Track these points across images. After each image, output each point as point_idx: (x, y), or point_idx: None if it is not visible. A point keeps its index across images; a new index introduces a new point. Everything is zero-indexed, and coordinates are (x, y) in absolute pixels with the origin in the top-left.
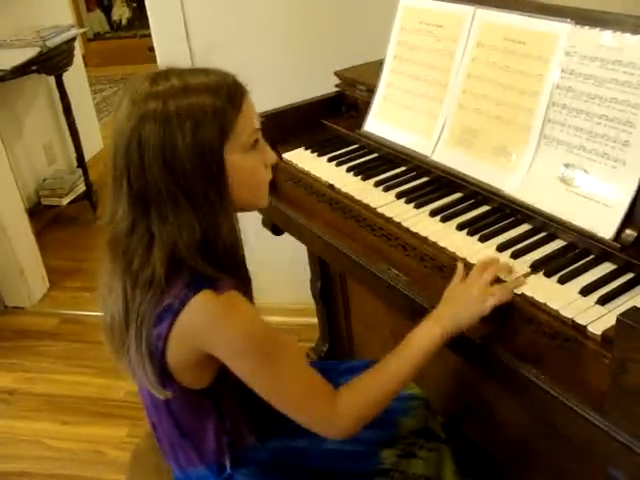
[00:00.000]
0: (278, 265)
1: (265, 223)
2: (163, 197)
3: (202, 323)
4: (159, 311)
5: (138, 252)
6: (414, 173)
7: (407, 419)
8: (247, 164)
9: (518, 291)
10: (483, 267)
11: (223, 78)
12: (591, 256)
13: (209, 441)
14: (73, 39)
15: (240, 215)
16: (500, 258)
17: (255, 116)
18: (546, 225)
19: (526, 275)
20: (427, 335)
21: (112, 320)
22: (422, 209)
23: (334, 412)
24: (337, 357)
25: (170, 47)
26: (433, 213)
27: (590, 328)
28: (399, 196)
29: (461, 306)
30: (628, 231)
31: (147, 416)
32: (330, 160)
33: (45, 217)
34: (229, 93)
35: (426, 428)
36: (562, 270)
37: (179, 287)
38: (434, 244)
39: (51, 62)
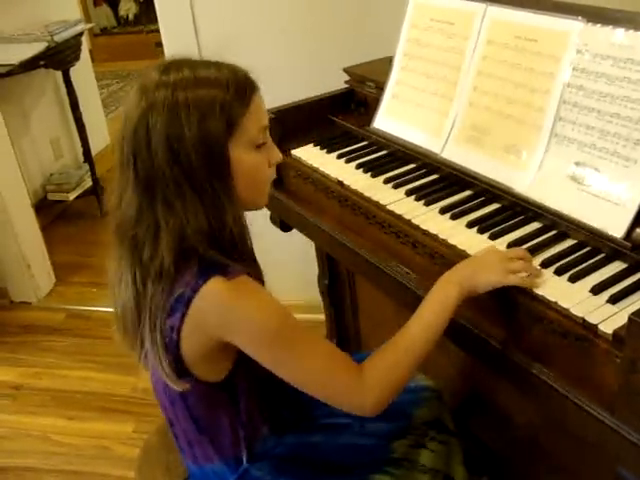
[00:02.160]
0: (285, 262)
1: (273, 219)
2: (168, 184)
3: (216, 310)
4: (171, 302)
5: (146, 241)
6: (424, 170)
7: (420, 410)
8: (251, 160)
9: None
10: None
11: (234, 73)
12: (601, 255)
13: (225, 435)
14: (81, 34)
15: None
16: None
17: (263, 114)
18: (556, 223)
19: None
20: (445, 295)
21: (124, 310)
22: (432, 206)
23: (362, 384)
24: None
25: (178, 42)
26: (443, 210)
27: (601, 327)
28: (409, 193)
29: (481, 268)
30: (639, 230)
31: (164, 413)
32: (339, 157)
33: (52, 212)
34: (238, 88)
35: (437, 420)
36: (573, 269)
37: (189, 275)
38: (444, 242)
39: (59, 57)
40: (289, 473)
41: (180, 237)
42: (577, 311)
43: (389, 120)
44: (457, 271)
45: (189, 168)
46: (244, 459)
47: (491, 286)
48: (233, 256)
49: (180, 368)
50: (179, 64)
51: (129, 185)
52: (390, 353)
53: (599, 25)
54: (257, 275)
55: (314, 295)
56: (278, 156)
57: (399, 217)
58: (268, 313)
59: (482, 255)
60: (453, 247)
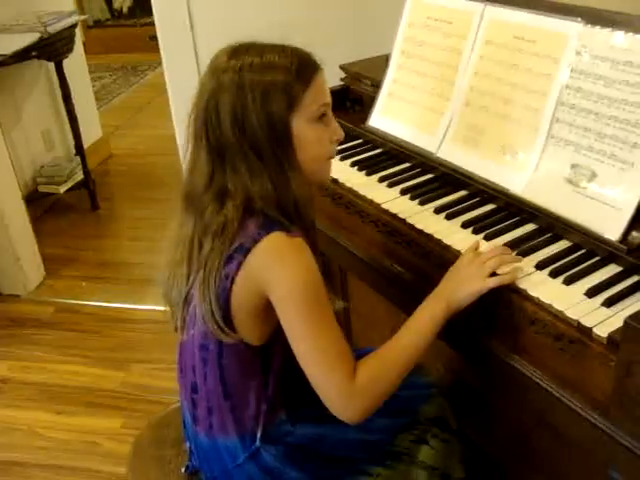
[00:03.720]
0: None
1: None
2: (236, 153)
3: (269, 260)
4: (230, 251)
5: (213, 203)
6: (419, 169)
7: (426, 406)
8: (312, 133)
9: (522, 287)
10: (477, 247)
11: (297, 55)
12: (597, 257)
13: (249, 405)
14: (74, 25)
15: None
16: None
17: (324, 92)
18: (552, 225)
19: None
20: (431, 313)
21: (174, 272)
22: (427, 206)
23: (354, 387)
24: None
25: (174, 36)
26: (438, 210)
27: (596, 330)
28: (404, 192)
29: (461, 283)
30: (634, 233)
31: (185, 379)
32: None
33: (42, 205)
34: (300, 70)
35: (441, 417)
36: (568, 271)
37: (252, 228)
38: (439, 241)
39: (51, 48)
40: (296, 463)
41: (246, 198)
42: (572, 314)
43: (385, 118)
44: (442, 287)
45: (253, 139)
46: (258, 436)
47: (473, 297)
48: (295, 221)
49: (227, 324)
50: (246, 49)
51: (201, 154)
52: (378, 365)
53: (598, 27)
54: (313, 244)
55: None
56: (339, 133)
57: (394, 216)
58: (309, 276)
59: (460, 265)
60: (448, 247)
